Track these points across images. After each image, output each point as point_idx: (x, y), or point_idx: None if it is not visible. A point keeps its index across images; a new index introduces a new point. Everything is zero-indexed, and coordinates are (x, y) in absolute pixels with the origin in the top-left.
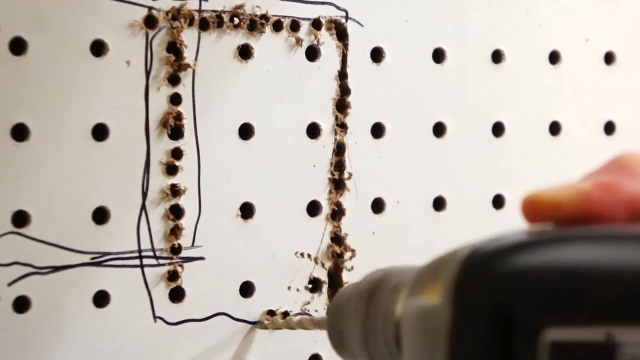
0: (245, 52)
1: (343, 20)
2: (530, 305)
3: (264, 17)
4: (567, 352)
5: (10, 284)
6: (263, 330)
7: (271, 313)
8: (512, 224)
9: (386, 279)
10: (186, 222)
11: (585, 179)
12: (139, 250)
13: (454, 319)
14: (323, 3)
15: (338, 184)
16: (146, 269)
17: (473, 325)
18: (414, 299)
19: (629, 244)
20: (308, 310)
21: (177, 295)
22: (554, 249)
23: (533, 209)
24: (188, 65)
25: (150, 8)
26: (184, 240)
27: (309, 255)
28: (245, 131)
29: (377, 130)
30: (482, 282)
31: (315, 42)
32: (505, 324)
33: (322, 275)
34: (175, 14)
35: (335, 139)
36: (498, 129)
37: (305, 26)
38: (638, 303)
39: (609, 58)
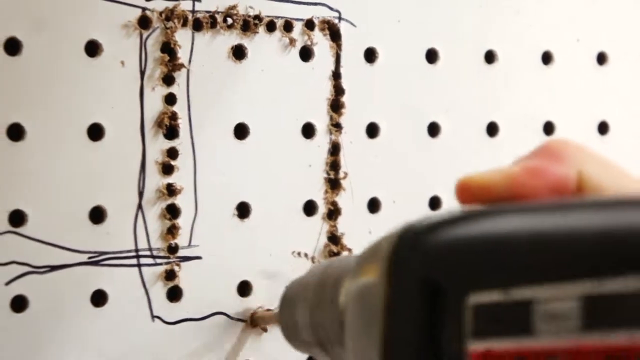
0: (239, 53)
1: (336, 21)
2: (455, 274)
3: (257, 17)
4: (489, 313)
5: (7, 283)
6: (260, 330)
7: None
8: None
9: (330, 269)
10: (183, 222)
11: (514, 163)
12: (136, 250)
13: (387, 293)
14: (316, 4)
15: (334, 184)
16: (143, 269)
17: (405, 298)
18: (354, 281)
19: (545, 212)
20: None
21: (174, 294)
22: (478, 222)
23: (465, 190)
24: (182, 66)
25: (144, 9)
26: (181, 239)
27: (305, 255)
28: (241, 131)
29: (372, 130)
30: (412, 256)
31: (309, 43)
32: (434, 295)
33: None
34: (169, 15)
35: (330, 139)
36: (492, 129)
37: (298, 27)
38: (550, 263)
39: (601, 58)
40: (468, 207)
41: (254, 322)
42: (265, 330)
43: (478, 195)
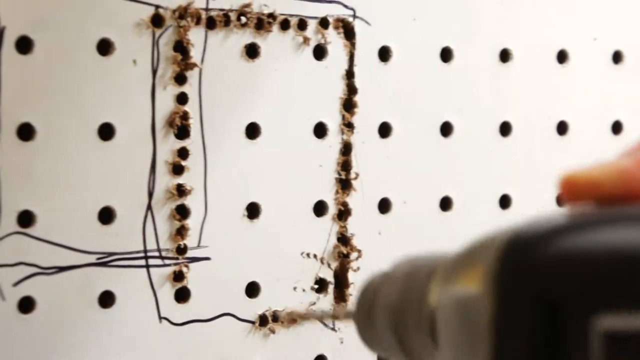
0: (252, 51)
1: (350, 19)
2: (578, 292)
3: (271, 15)
4: (623, 341)
5: (15, 285)
6: (268, 331)
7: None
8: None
9: (419, 266)
10: (192, 222)
11: (624, 156)
12: (145, 251)
13: (496, 310)
14: (331, 2)
15: (344, 184)
16: (152, 269)
17: (517, 316)
18: (450, 288)
19: None
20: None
21: (182, 295)
22: (598, 231)
23: (571, 188)
24: (195, 65)
25: (157, 7)
26: (190, 240)
27: (315, 256)
28: (252, 131)
29: (384, 130)
30: (524, 270)
31: (323, 41)
32: (552, 313)
33: (328, 275)
34: (182, 13)
35: (342, 139)
36: (505, 129)
37: (312, 25)
38: None
39: (617, 57)
40: (578, 208)
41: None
42: (273, 331)
43: (587, 193)
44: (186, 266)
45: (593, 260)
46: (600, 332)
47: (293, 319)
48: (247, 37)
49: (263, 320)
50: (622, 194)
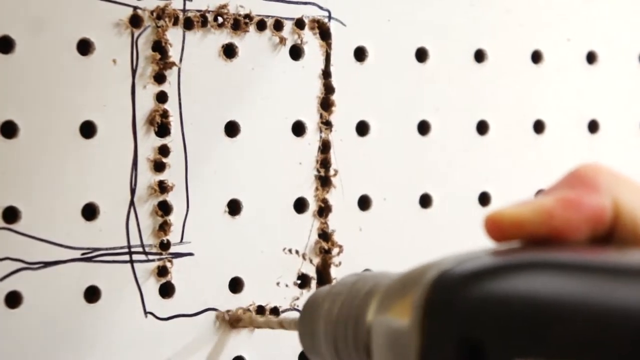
0: (229, 51)
1: (326, 20)
2: (498, 336)
3: (248, 16)
4: None
5: (1, 279)
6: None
7: (260, 309)
8: None
9: (360, 284)
10: (174, 219)
11: (546, 194)
12: (129, 246)
13: (421, 345)
14: (306, 3)
15: (324, 181)
16: (136, 265)
17: (441, 354)
18: (383, 315)
19: (599, 276)
20: (297, 306)
21: (167, 290)
22: (522, 276)
23: (496, 227)
24: (173, 64)
25: (135, 7)
26: (173, 236)
27: (297, 252)
28: (232, 129)
29: (362, 128)
30: (449, 311)
31: (299, 42)
32: (473, 353)
33: (311, 271)
34: (160, 14)
35: (321, 137)
36: (482, 127)
37: (288, 26)
38: (605, 341)
39: (591, 57)
40: (502, 245)
41: (236, 323)
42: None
43: (510, 232)
44: (170, 261)
45: (511, 307)
46: None
47: (238, 319)
48: (224, 37)
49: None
50: (545, 233)
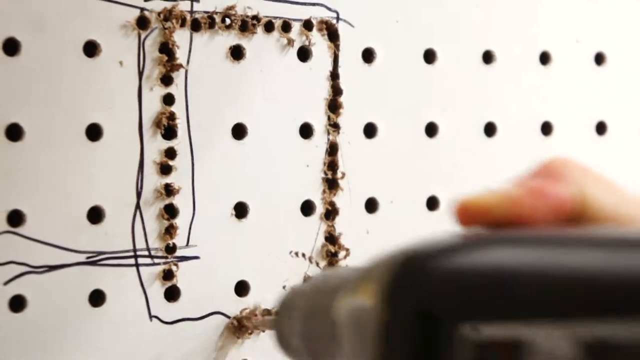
0: (237, 53)
1: (334, 21)
2: (452, 305)
3: (256, 18)
4: (484, 349)
5: (6, 283)
6: (257, 329)
7: (267, 312)
8: None
9: (329, 279)
10: (181, 222)
11: (515, 184)
12: (134, 250)
13: (382, 321)
14: (314, 4)
15: (331, 184)
16: (141, 268)
17: (400, 326)
18: (348, 300)
19: (548, 246)
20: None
21: (172, 294)
22: (477, 251)
23: (464, 213)
24: (180, 66)
25: (142, 9)
26: (179, 239)
27: (303, 255)
28: (239, 131)
29: (370, 130)
30: (407, 283)
31: (307, 43)
32: (430, 325)
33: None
34: (167, 15)
35: (328, 139)
36: (490, 129)
37: (296, 27)
38: (548, 302)
39: (599, 58)
40: (468, 230)
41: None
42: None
43: (478, 218)
44: (175, 265)
45: (466, 277)
46: (466, 340)
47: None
48: (232, 38)
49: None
50: (511, 220)
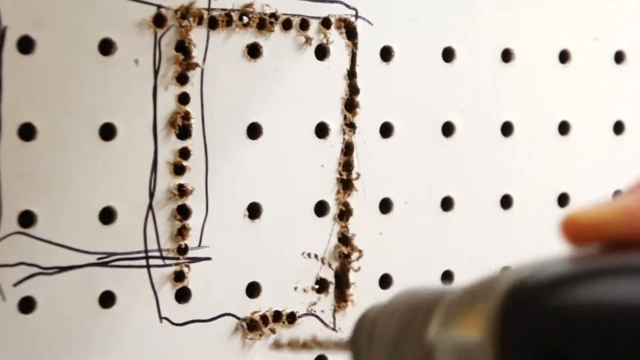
0: (254, 51)
1: (353, 19)
2: (581, 346)
3: (273, 15)
4: None
5: (16, 285)
6: (269, 331)
7: (277, 314)
8: (520, 224)
9: (419, 300)
10: (193, 223)
11: (628, 195)
12: (146, 251)
13: (497, 358)
14: (333, 1)
15: (346, 184)
16: (152, 270)
17: None
18: (449, 330)
19: None
20: (314, 311)
21: (183, 295)
22: (602, 282)
23: (575, 231)
24: (196, 65)
25: (159, 7)
26: (191, 240)
27: (316, 256)
28: (254, 131)
29: (386, 130)
30: (528, 322)
31: (325, 41)
32: None
33: (329, 275)
34: (184, 13)
35: (344, 139)
36: (507, 129)
37: (314, 25)
38: None
39: (618, 57)
40: (579, 250)
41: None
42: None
43: (590, 235)
44: (187, 266)
45: (595, 314)
46: None
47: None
48: (249, 37)
49: (264, 321)
50: (628, 235)
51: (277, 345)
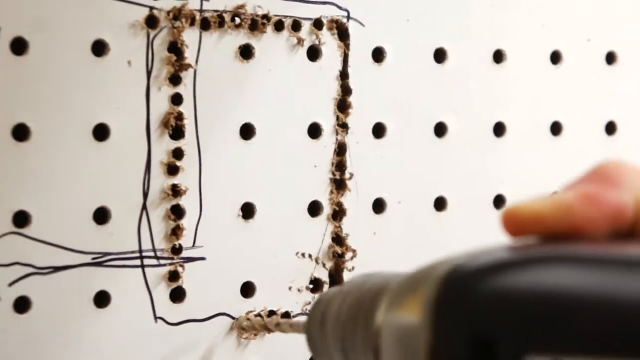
0: (246, 52)
1: (344, 20)
2: (511, 331)
3: (265, 17)
4: None
5: (11, 284)
6: (262, 331)
7: (272, 313)
8: None
9: (370, 284)
10: (187, 222)
11: (566, 190)
12: (140, 251)
13: (432, 343)
14: (324, 3)
15: (339, 184)
16: (147, 269)
17: (452, 350)
18: (393, 313)
19: (616, 269)
20: (309, 311)
21: (177, 295)
22: (537, 270)
23: (514, 223)
24: (189, 65)
25: (151, 8)
26: (185, 240)
27: (310, 256)
28: (247, 131)
29: (379, 130)
30: (462, 306)
31: (317, 42)
32: (485, 350)
33: (323, 275)
34: (177, 14)
35: (337, 139)
36: (499, 129)
37: (306, 26)
38: (622, 335)
39: (610, 58)
40: (518, 241)
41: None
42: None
43: (528, 227)
44: (181, 266)
45: (526, 301)
46: None
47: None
48: (241, 38)
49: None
50: (564, 229)
51: (239, 328)
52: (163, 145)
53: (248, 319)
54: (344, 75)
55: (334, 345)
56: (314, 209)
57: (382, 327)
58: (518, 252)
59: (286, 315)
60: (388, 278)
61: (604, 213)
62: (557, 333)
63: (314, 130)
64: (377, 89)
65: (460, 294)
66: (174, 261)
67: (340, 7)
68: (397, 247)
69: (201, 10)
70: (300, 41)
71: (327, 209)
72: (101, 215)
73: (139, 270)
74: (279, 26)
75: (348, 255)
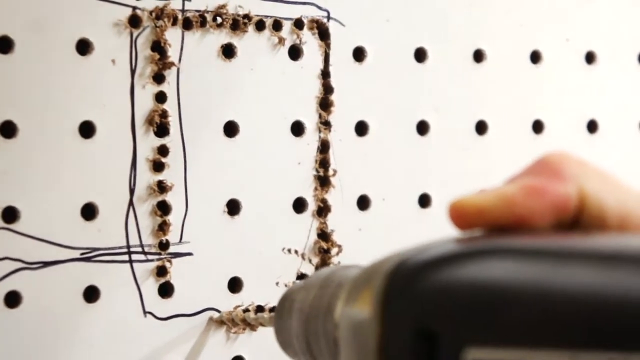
0: (228, 51)
1: (325, 20)
2: (453, 323)
3: (247, 16)
4: None
5: (1, 279)
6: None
7: (260, 309)
8: None
9: (333, 277)
10: (173, 218)
11: (510, 182)
12: (128, 246)
13: (380, 335)
14: (305, 3)
15: (323, 181)
16: (135, 265)
17: (398, 342)
18: (348, 307)
19: (554, 260)
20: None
21: (166, 290)
22: (476, 263)
23: (459, 215)
24: (172, 64)
25: (134, 8)
26: (172, 236)
27: (296, 251)
28: (230, 129)
29: (361, 128)
30: (405, 299)
31: (298, 42)
32: (430, 342)
33: (310, 270)
34: (159, 14)
35: (320, 137)
36: (481, 127)
37: (287, 26)
38: (557, 325)
39: (589, 57)
40: (465, 234)
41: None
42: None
43: (474, 220)
44: (169, 261)
45: (467, 294)
46: None
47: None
48: (223, 37)
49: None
50: (507, 220)
51: (219, 321)
52: (148, 142)
53: (228, 313)
54: (325, 74)
55: (298, 338)
56: (299, 205)
57: (340, 320)
58: (462, 246)
59: (273, 310)
60: (349, 270)
61: (547, 205)
62: (495, 324)
63: (297, 128)
64: (358, 88)
65: (403, 288)
66: (162, 256)
67: (320, 8)
68: (382, 243)
69: (183, 10)
70: (281, 40)
71: (312, 206)
72: (89, 211)
73: (127, 265)
74: (260, 26)
75: (334, 250)
